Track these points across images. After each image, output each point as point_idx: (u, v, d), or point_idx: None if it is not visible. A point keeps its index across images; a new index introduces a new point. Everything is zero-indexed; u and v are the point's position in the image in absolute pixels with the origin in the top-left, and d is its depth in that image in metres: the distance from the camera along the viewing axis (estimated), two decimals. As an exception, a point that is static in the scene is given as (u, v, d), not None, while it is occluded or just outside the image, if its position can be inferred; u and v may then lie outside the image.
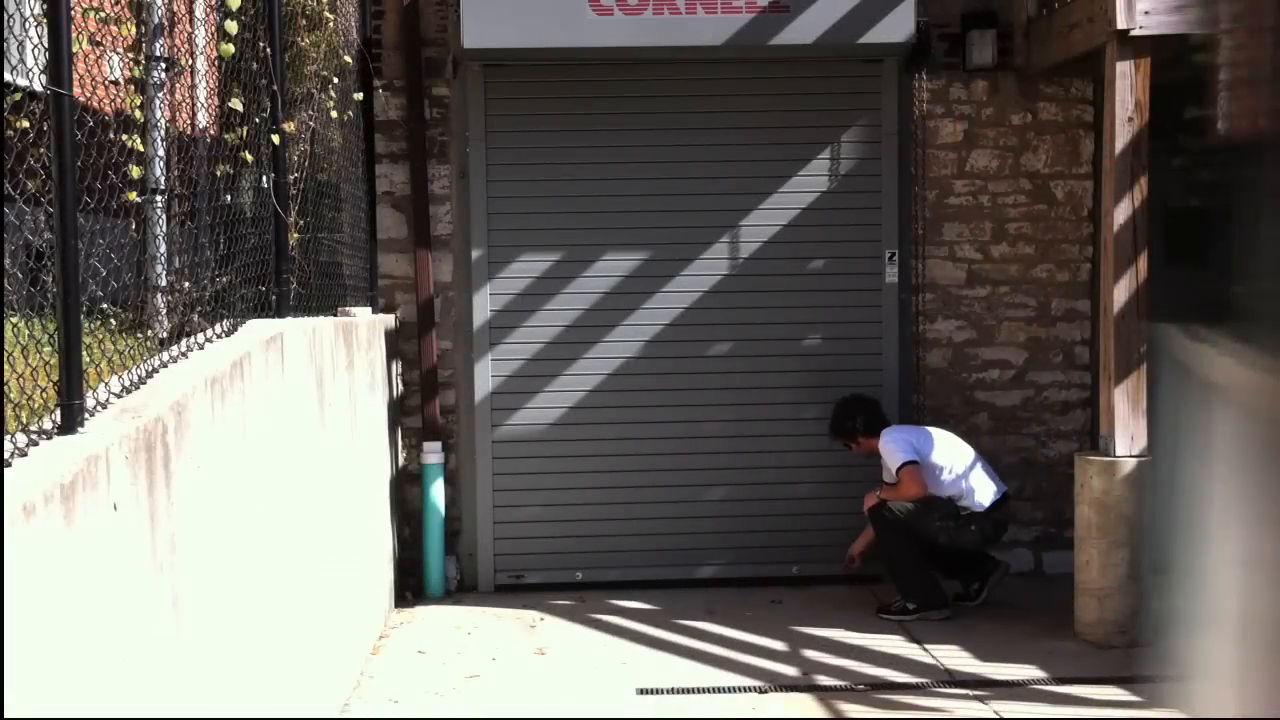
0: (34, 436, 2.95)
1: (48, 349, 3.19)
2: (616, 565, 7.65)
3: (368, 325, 6.71)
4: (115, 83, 4.73)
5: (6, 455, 2.73)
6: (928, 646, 6.38)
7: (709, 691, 5.78)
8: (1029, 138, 7.75)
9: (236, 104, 5.01)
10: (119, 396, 3.40)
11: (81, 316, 3.19)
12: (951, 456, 6.92)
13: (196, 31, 5.79)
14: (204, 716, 3.53)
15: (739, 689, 5.80)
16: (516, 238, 7.58)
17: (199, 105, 5.91)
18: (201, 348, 4.17)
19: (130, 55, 4.99)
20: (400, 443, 7.56)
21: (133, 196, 4.55)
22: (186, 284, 4.88)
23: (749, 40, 7.15)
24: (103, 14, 4.67)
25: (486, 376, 7.60)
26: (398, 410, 7.51)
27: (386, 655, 6.34)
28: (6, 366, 2.91)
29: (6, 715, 2.33)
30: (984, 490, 6.90)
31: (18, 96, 4.23)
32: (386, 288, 7.61)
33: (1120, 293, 6.38)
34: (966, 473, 6.90)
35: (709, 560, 7.69)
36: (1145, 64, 6.29)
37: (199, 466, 3.58)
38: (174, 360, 3.93)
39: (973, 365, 7.78)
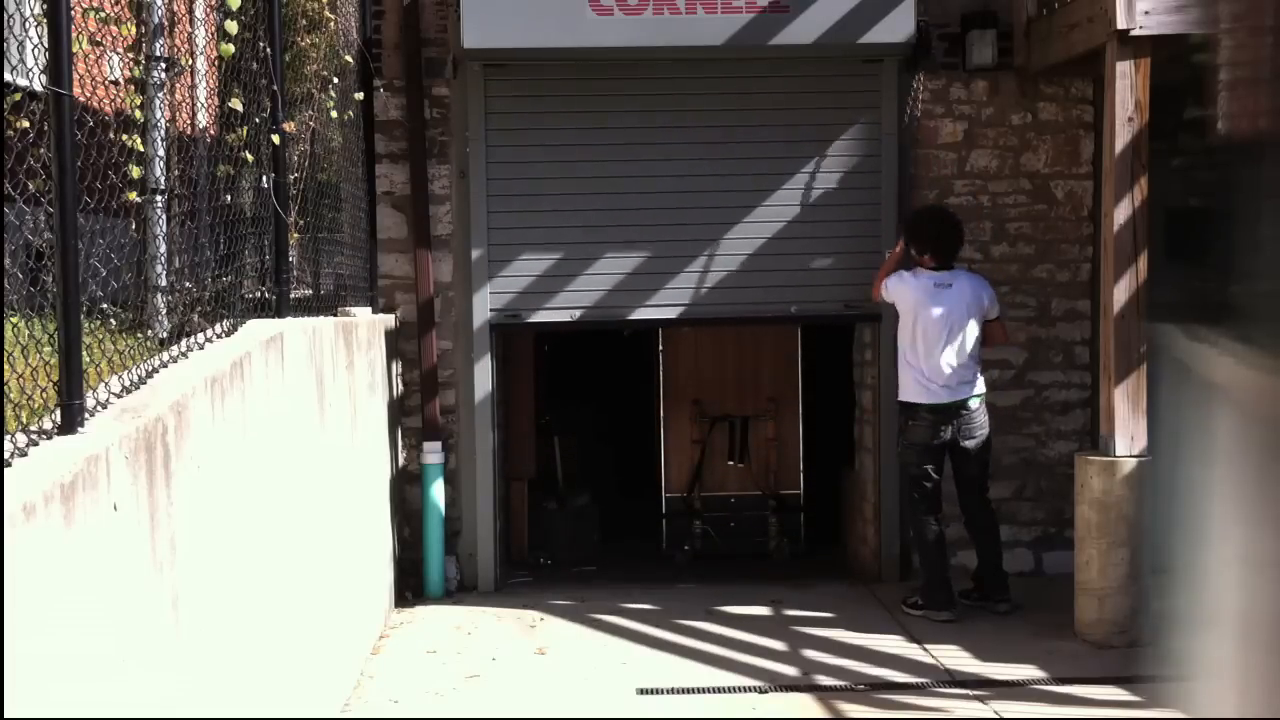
0: (34, 436, 2.95)
1: (48, 349, 3.19)
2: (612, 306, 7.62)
3: (368, 325, 6.71)
4: (115, 83, 4.72)
5: (6, 455, 2.73)
6: (928, 646, 6.38)
7: (709, 691, 5.78)
8: (1029, 138, 7.74)
9: (236, 104, 5.01)
10: (119, 396, 3.39)
11: (81, 316, 3.19)
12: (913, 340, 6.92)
13: (196, 31, 5.78)
14: (204, 716, 3.53)
15: (739, 689, 5.80)
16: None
17: (199, 105, 5.90)
18: (201, 348, 4.17)
19: (130, 55, 4.99)
20: (400, 443, 7.56)
21: (133, 196, 4.55)
22: (187, 284, 4.88)
23: (749, 40, 7.15)
24: (103, 14, 4.66)
25: (486, 376, 7.60)
26: (398, 410, 7.51)
27: (386, 655, 6.33)
28: (6, 366, 2.91)
29: (6, 715, 2.33)
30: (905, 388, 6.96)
31: (18, 96, 4.23)
32: (386, 288, 7.60)
33: (1120, 293, 6.38)
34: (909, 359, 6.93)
35: (708, 300, 7.65)
36: (1145, 64, 6.28)
37: (199, 467, 3.58)
38: (174, 360, 3.93)
39: (973, 365, 7.76)
